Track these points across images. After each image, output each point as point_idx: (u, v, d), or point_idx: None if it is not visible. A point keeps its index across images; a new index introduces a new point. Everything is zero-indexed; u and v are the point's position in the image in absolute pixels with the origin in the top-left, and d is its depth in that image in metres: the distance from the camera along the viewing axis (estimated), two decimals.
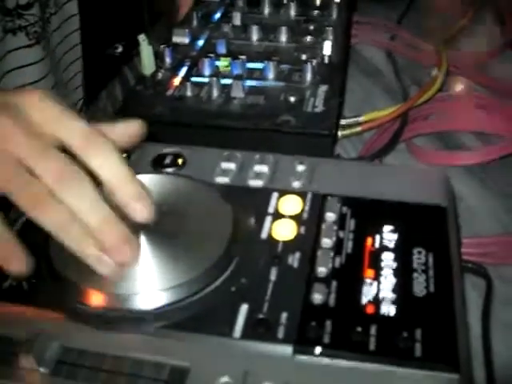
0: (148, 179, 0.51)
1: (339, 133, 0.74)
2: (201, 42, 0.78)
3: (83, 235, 0.42)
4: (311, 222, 0.48)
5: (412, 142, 0.77)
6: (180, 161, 0.55)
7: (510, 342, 0.53)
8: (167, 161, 0.55)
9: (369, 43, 1.00)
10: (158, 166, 0.55)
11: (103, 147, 0.44)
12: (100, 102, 0.87)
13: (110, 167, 0.44)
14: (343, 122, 0.75)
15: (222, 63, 0.72)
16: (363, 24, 1.03)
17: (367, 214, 0.49)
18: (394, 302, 0.41)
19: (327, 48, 0.74)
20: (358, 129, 0.75)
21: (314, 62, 0.69)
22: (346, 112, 0.81)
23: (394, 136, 0.74)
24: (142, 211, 0.44)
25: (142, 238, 0.45)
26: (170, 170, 0.54)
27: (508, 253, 0.61)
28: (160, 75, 0.70)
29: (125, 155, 0.55)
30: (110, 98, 0.86)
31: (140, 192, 0.44)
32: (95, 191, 0.43)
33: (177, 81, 0.69)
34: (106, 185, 0.44)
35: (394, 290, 0.42)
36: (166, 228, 0.46)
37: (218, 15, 0.85)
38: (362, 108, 0.83)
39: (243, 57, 0.69)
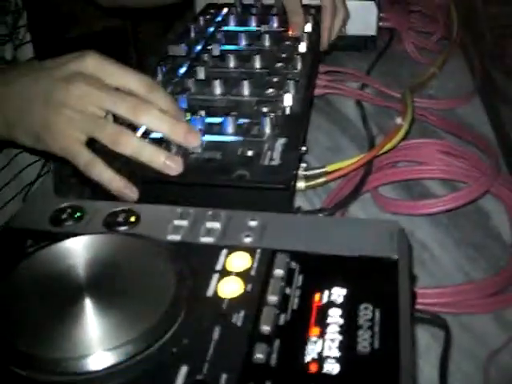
0: (96, 240, 0.50)
1: (303, 184, 0.74)
2: None
3: (154, 150, 0.63)
4: (259, 278, 0.47)
5: (377, 191, 0.77)
6: (133, 218, 0.55)
7: None
8: (120, 219, 0.55)
9: (339, 93, 1.01)
10: (110, 224, 0.54)
11: (162, 91, 0.68)
12: None
13: (169, 105, 0.67)
14: (308, 173, 0.76)
15: None
16: (333, 74, 1.04)
17: (316, 269, 0.48)
18: (337, 360, 0.40)
19: (287, 100, 0.74)
20: (323, 179, 0.75)
21: (273, 114, 0.68)
22: (312, 162, 0.81)
23: (357, 186, 0.74)
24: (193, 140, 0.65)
25: (87, 300, 0.44)
26: (122, 228, 0.54)
27: (469, 302, 0.61)
28: None
29: (78, 214, 0.55)
30: None
31: (188, 126, 0.66)
32: (159, 111, 0.64)
33: None
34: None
35: (338, 348, 0.41)
36: (108, 288, 0.46)
37: (183, 70, 0.85)
38: (329, 157, 0.84)
39: (202, 112, 0.70)
